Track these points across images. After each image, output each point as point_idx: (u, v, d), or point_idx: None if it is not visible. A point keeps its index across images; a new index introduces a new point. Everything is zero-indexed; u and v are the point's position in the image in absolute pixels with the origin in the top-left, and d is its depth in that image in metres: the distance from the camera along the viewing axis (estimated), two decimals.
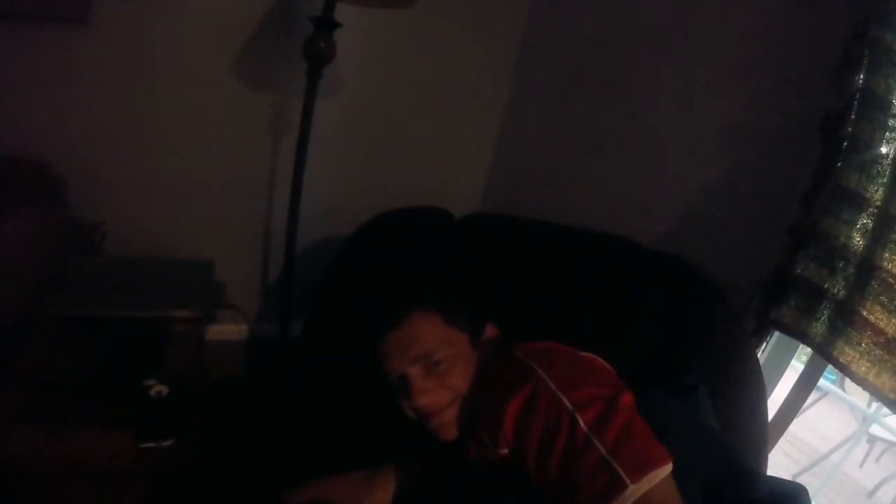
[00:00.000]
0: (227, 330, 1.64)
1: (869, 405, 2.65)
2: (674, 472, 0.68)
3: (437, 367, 0.84)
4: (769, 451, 1.31)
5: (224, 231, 1.55)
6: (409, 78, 1.47)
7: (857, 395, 2.67)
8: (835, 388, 2.66)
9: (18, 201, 1.25)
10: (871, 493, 2.54)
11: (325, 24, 1.18)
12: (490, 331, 0.94)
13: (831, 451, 2.53)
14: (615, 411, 0.71)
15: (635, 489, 0.64)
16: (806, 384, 1.43)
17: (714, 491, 0.76)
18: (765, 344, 1.42)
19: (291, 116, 1.38)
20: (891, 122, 1.27)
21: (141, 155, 1.42)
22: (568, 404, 0.72)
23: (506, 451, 0.77)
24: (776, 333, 1.45)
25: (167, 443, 0.97)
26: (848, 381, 2.44)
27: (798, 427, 2.56)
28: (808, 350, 1.39)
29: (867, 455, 2.79)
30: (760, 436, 1.15)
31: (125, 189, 1.45)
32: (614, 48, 1.45)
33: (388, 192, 1.26)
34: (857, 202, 1.30)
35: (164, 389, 1.00)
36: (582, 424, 0.70)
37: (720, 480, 0.78)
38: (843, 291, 1.31)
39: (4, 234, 1.19)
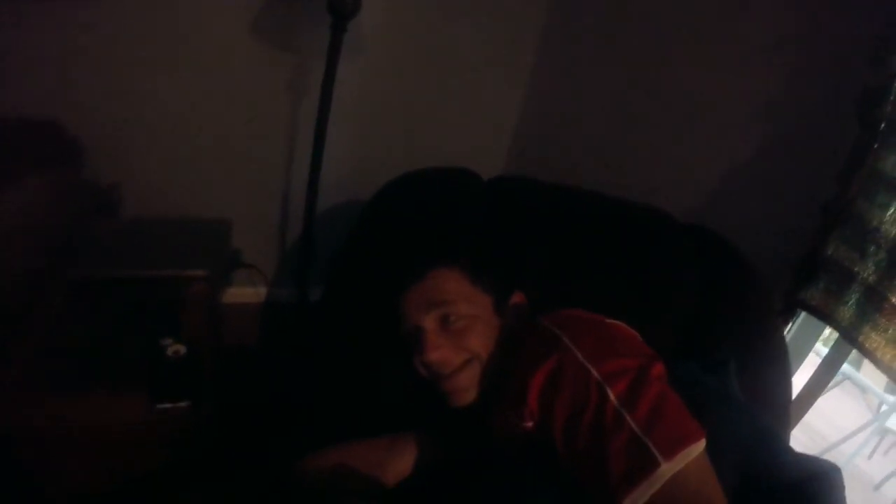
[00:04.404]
0: (244, 293, 1.63)
1: (886, 390, 2.63)
2: (708, 449, 0.65)
3: (453, 324, 0.81)
4: (790, 432, 1.30)
5: (242, 192, 1.53)
6: (434, 38, 1.43)
7: (873, 379, 2.65)
8: (853, 371, 2.63)
9: (34, 163, 1.23)
10: (878, 487, 2.52)
11: None
12: (517, 298, 0.90)
13: (842, 441, 2.51)
14: (646, 383, 0.67)
15: (668, 468, 0.61)
16: (829, 367, 1.41)
17: (749, 469, 0.74)
18: (790, 324, 1.40)
19: (313, 76, 1.34)
20: None
21: (156, 114, 1.39)
22: (597, 375, 0.68)
23: (531, 424, 0.74)
24: (802, 315, 1.42)
25: (183, 404, 0.95)
26: (865, 364, 2.43)
27: (810, 414, 2.55)
28: (832, 333, 1.37)
29: (876, 447, 2.77)
30: (783, 415, 1.13)
31: (141, 150, 1.42)
32: (647, 16, 1.41)
33: (410, 154, 1.22)
34: (893, 187, 1.27)
35: (181, 349, 0.99)
36: (612, 397, 0.66)
37: (755, 458, 0.75)
38: (872, 276, 1.28)
39: (20, 197, 1.18)
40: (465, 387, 0.82)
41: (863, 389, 2.74)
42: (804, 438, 2.59)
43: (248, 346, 1.59)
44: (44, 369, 1.00)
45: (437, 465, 0.82)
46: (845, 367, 2.55)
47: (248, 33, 1.33)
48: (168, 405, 0.95)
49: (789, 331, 1.42)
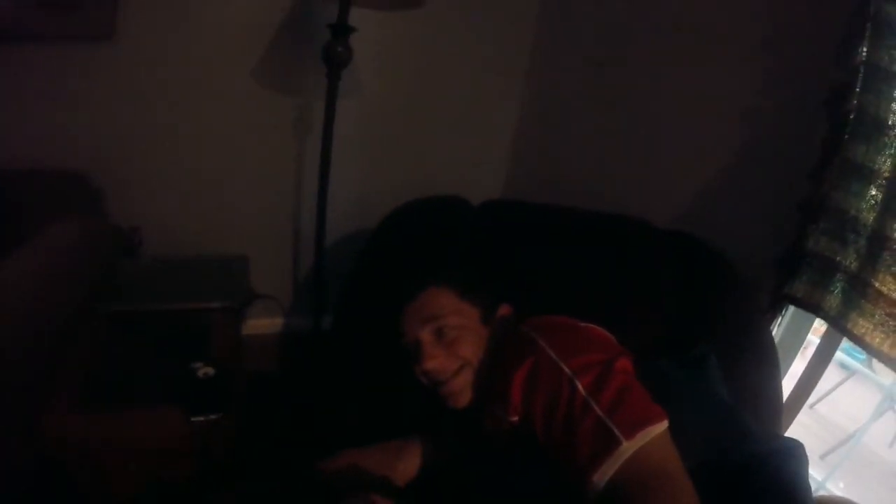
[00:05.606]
0: (262, 324, 1.72)
1: None
2: (673, 434, 0.73)
3: (446, 336, 0.91)
4: (789, 425, 1.34)
5: (256, 228, 1.63)
6: (425, 74, 1.53)
7: (885, 374, 2.64)
8: (862, 368, 2.63)
9: (64, 211, 1.34)
10: None
11: (341, 30, 1.25)
12: (504, 310, 1.00)
13: (858, 431, 2.50)
14: (611, 375, 0.76)
15: (629, 446, 0.69)
16: (822, 358, 1.45)
17: (713, 448, 0.81)
18: (780, 319, 1.44)
19: (314, 117, 1.44)
20: None
21: (172, 161, 1.50)
22: (567, 371, 0.77)
23: (516, 418, 0.83)
24: (791, 309, 1.47)
25: (215, 416, 1.06)
26: (876, 362, 2.43)
27: (826, 408, 2.53)
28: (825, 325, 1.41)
29: None
30: (775, 407, 1.19)
31: (159, 194, 1.53)
32: (626, 35, 1.49)
33: (410, 185, 1.31)
34: (865, 174, 1.31)
35: (210, 371, 1.11)
36: (580, 389, 0.75)
37: (719, 440, 0.83)
38: (855, 264, 1.32)
39: (56, 241, 1.30)
40: (460, 390, 0.91)
41: (874, 383, 2.72)
42: (823, 433, 2.59)
43: (268, 370, 1.69)
44: (85, 393, 1.10)
45: (441, 465, 0.91)
46: (855, 364, 2.56)
47: (252, 84, 1.43)
48: (202, 418, 1.06)
49: (779, 325, 1.47)
